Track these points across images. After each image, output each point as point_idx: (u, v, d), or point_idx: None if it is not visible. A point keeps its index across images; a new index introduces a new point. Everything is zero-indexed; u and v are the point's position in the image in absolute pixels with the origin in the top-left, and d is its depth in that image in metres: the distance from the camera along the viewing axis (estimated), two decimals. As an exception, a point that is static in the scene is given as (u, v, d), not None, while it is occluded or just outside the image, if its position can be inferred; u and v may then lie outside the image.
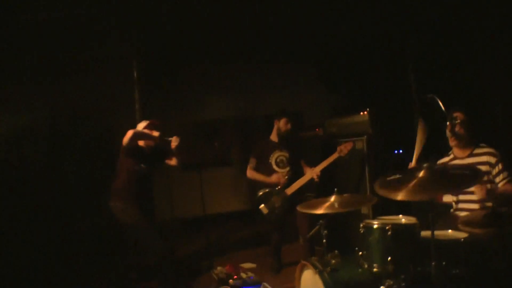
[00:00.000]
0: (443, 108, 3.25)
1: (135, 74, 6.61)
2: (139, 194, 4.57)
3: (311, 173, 4.91)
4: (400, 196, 2.53)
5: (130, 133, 4.41)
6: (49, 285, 5.25)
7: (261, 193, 5.04)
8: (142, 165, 4.59)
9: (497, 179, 3.41)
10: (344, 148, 4.88)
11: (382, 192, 2.67)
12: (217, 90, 8.55)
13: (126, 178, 4.54)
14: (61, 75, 7.13)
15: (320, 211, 3.22)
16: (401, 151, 5.46)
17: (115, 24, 5.99)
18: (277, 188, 4.98)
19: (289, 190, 4.96)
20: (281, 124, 5.10)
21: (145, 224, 4.46)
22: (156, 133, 4.57)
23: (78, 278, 5.45)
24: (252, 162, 5.18)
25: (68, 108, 7.24)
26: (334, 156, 4.91)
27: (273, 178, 4.99)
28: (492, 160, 3.44)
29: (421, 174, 2.62)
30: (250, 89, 8.68)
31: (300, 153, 5.18)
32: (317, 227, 3.53)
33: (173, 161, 4.85)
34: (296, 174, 5.08)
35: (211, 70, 8.42)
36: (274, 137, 5.19)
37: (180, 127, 8.31)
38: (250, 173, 5.17)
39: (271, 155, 5.09)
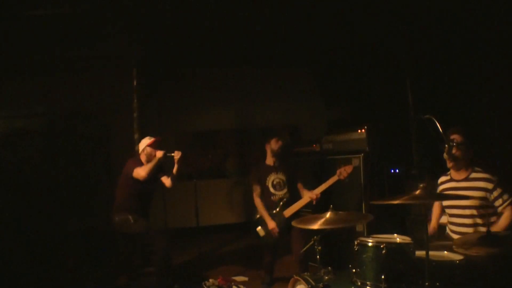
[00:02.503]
0: (440, 129, 3.26)
1: (134, 83, 6.64)
2: (144, 206, 4.90)
3: (310, 196, 4.82)
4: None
5: (143, 173, 4.67)
6: (38, 283, 5.24)
7: (258, 216, 4.99)
8: (144, 186, 4.82)
9: (497, 203, 3.42)
10: (344, 171, 4.76)
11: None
12: (214, 101, 8.58)
13: (131, 195, 4.82)
14: (60, 75, 7.16)
15: (314, 226, 3.17)
16: (397, 170, 5.47)
17: (116, 29, 6.01)
18: (274, 211, 4.92)
19: (287, 213, 4.88)
20: (272, 144, 5.02)
21: (154, 232, 4.76)
22: (160, 153, 4.81)
23: (68, 277, 5.45)
24: (256, 189, 5.04)
25: (65, 109, 7.26)
26: (334, 179, 4.80)
27: (271, 225, 4.87)
28: (489, 186, 3.44)
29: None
30: (247, 101, 8.72)
31: (297, 175, 5.10)
32: (311, 242, 3.52)
33: (167, 182, 5.05)
34: (293, 196, 4.99)
35: (208, 81, 8.47)
36: (269, 161, 5.11)
37: (176, 137, 8.33)
38: (256, 201, 5.04)
39: (267, 178, 5.00)
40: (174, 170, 4.97)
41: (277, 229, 4.84)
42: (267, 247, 5.06)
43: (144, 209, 4.89)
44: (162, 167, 5.03)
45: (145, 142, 4.97)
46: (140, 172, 4.68)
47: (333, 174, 4.84)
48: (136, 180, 4.74)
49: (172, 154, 4.90)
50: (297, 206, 4.90)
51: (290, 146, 5.18)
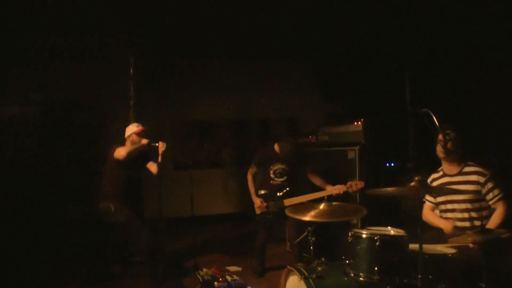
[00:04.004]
0: (437, 123, 3.25)
1: (131, 71, 6.61)
2: (129, 195, 4.81)
3: (317, 194, 4.74)
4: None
5: (123, 152, 4.58)
6: (32, 270, 5.26)
7: (259, 194, 5.07)
8: (129, 172, 4.81)
9: (488, 197, 3.44)
10: (354, 186, 4.65)
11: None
12: (211, 91, 8.55)
13: (115, 182, 4.75)
14: (57, 64, 7.13)
15: (305, 218, 3.19)
16: (392, 164, 5.48)
17: (113, 18, 5.97)
18: (278, 194, 4.98)
19: (288, 202, 4.89)
20: (276, 148, 5.09)
21: (136, 222, 4.65)
22: (144, 141, 4.79)
23: (63, 265, 5.49)
24: (252, 167, 5.20)
25: (62, 97, 7.24)
26: (341, 188, 4.68)
27: (257, 202, 5.01)
28: (482, 179, 3.47)
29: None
30: (244, 92, 8.69)
31: (300, 165, 5.11)
32: (305, 233, 3.52)
33: (153, 168, 5.01)
34: (293, 184, 5.05)
35: (206, 71, 8.43)
36: (277, 148, 5.13)
37: (172, 126, 8.31)
38: (248, 178, 5.19)
39: (271, 166, 5.07)
40: (159, 160, 4.93)
41: (263, 205, 4.95)
42: (261, 226, 5.10)
43: (128, 198, 4.78)
44: (147, 156, 5.00)
45: (132, 129, 4.88)
46: (121, 151, 4.58)
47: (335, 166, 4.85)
48: (119, 165, 4.67)
49: (156, 144, 4.83)
50: (298, 199, 4.85)
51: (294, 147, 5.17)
